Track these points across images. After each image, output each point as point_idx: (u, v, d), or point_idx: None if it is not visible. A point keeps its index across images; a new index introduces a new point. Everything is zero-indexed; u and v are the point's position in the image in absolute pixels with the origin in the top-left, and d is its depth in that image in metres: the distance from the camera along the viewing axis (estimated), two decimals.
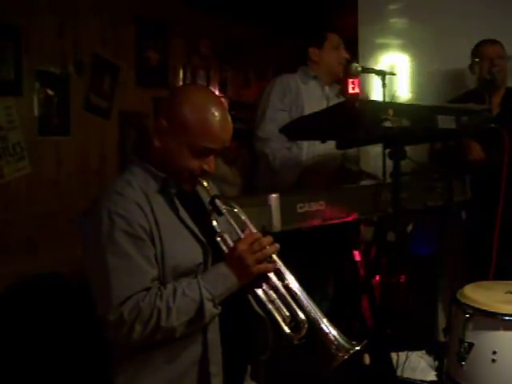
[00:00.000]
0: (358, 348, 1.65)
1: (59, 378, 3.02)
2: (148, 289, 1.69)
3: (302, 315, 1.70)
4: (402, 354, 3.35)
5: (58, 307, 3.49)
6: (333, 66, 3.43)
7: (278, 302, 1.73)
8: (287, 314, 1.71)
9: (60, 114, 4.42)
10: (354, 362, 3.01)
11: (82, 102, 4.58)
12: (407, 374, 3.30)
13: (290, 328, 1.71)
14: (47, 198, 4.21)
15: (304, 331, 1.69)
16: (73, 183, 4.32)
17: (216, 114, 1.77)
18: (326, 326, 1.69)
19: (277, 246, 1.78)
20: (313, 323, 1.70)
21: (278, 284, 1.75)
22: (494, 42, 3.41)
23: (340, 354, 1.64)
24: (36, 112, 4.22)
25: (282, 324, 1.71)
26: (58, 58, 4.37)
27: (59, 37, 4.37)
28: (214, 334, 1.78)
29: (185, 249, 1.77)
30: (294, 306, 1.72)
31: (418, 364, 3.43)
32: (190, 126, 1.75)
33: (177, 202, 1.82)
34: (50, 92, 4.37)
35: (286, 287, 1.75)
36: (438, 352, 3.28)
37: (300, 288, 1.75)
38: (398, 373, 3.23)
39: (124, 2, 4.88)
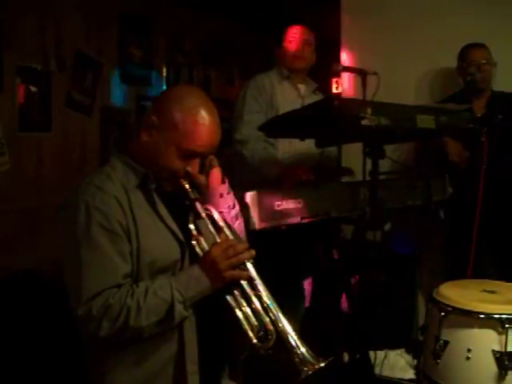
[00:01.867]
0: (322, 364, 1.63)
1: (39, 375, 3.02)
2: (119, 285, 1.68)
3: (270, 326, 1.69)
4: (381, 353, 3.38)
5: (36, 306, 3.49)
6: (288, 59, 3.43)
7: (248, 310, 1.72)
8: (255, 323, 1.71)
9: (41, 110, 4.40)
10: (333, 361, 3.04)
11: (64, 99, 4.56)
12: (386, 373, 3.33)
13: (257, 338, 1.70)
14: (27, 194, 4.18)
15: (271, 342, 1.68)
16: (54, 180, 4.29)
17: (206, 117, 1.76)
18: (294, 339, 1.67)
19: (252, 252, 1.76)
20: (280, 335, 1.69)
21: (250, 292, 1.73)
22: (480, 46, 3.44)
23: (305, 369, 1.63)
24: (17, 108, 4.19)
25: (250, 333, 1.70)
26: (40, 53, 4.35)
27: (41, 32, 4.34)
28: (190, 333, 1.77)
29: (162, 245, 1.77)
30: (264, 316, 1.70)
31: (396, 362, 3.46)
32: (179, 127, 1.75)
33: (156, 197, 1.81)
34: (32, 88, 4.34)
35: (258, 296, 1.73)
36: (416, 350, 3.31)
37: (271, 298, 1.73)
38: (377, 371, 3.25)
39: None
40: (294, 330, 1.70)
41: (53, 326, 3.17)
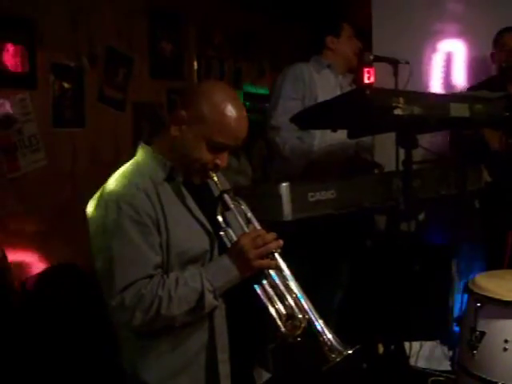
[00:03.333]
0: (350, 352, 1.64)
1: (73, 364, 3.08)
2: (151, 276, 1.71)
3: (299, 314, 1.71)
4: (416, 344, 3.35)
5: (75, 298, 3.56)
6: (349, 55, 3.44)
7: (276, 299, 1.74)
8: (284, 312, 1.72)
9: (74, 106, 4.46)
10: (368, 352, 3.03)
11: (97, 94, 4.61)
12: (421, 364, 3.31)
13: (285, 326, 1.71)
14: (62, 189, 4.24)
15: (299, 331, 1.70)
16: (88, 175, 4.35)
17: (233, 111, 1.78)
18: (322, 327, 1.69)
19: (280, 242, 1.78)
20: (309, 323, 1.71)
21: (278, 281, 1.75)
22: None
23: (333, 356, 1.65)
24: (51, 104, 4.25)
25: (278, 322, 1.71)
26: (72, 50, 4.40)
27: (73, 29, 4.39)
28: (220, 321, 1.80)
29: (191, 236, 1.79)
30: (292, 305, 1.72)
31: (432, 354, 3.43)
32: (208, 121, 1.77)
33: (184, 190, 1.84)
34: (65, 84, 4.40)
35: (286, 285, 1.75)
36: (452, 341, 3.28)
37: (299, 287, 1.75)
38: (412, 362, 3.23)
39: None
40: (322, 318, 1.71)
41: (91, 318, 3.22)
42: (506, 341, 2.18)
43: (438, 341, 3.53)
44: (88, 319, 3.27)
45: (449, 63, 3.92)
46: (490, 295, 2.26)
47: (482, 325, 2.26)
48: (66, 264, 3.83)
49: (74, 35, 4.39)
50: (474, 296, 2.33)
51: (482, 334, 2.25)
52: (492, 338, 2.23)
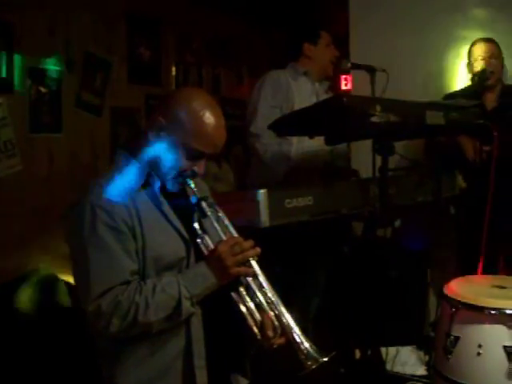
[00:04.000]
0: (326, 359, 1.66)
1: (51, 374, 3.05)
2: (128, 282, 1.71)
3: (275, 322, 1.73)
4: (393, 349, 3.38)
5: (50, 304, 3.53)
6: (325, 63, 3.46)
7: (252, 306, 1.76)
8: (260, 319, 1.74)
9: (51, 112, 4.43)
10: (345, 357, 3.05)
11: (74, 99, 4.58)
12: (397, 369, 3.33)
13: (261, 333, 1.74)
14: (39, 194, 4.21)
15: (276, 338, 1.73)
16: (65, 180, 4.32)
17: (212, 119, 1.79)
18: (298, 334, 1.71)
19: (257, 250, 1.80)
20: (285, 330, 1.73)
21: (255, 288, 1.77)
22: (488, 40, 3.45)
23: (309, 363, 1.67)
24: (28, 109, 4.22)
25: (255, 329, 1.74)
26: (50, 54, 4.37)
27: (51, 34, 4.36)
28: (197, 328, 1.80)
29: (166, 242, 1.80)
30: (269, 312, 1.74)
31: (408, 359, 3.46)
32: (186, 128, 1.77)
33: (161, 197, 1.84)
34: (42, 89, 4.37)
35: (262, 293, 1.77)
36: (428, 346, 3.31)
37: (275, 294, 1.77)
38: (388, 367, 3.25)
39: None
40: (298, 325, 1.73)
41: (68, 325, 3.20)
42: (479, 345, 2.20)
43: (415, 346, 3.56)
44: (64, 326, 3.24)
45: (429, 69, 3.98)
46: (465, 300, 2.28)
47: (456, 330, 2.28)
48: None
49: (52, 39, 4.37)
50: (448, 301, 2.35)
51: (457, 338, 2.27)
52: (466, 342, 2.25)
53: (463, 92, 3.53)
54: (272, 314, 1.74)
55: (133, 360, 1.77)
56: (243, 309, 1.76)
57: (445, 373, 2.30)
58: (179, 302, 1.72)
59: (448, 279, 2.57)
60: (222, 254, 1.75)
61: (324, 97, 3.33)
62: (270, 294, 1.76)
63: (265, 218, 2.20)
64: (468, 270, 2.87)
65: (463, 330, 2.26)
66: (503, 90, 3.46)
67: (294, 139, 3.25)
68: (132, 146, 1.89)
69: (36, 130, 4.30)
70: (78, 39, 4.57)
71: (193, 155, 1.80)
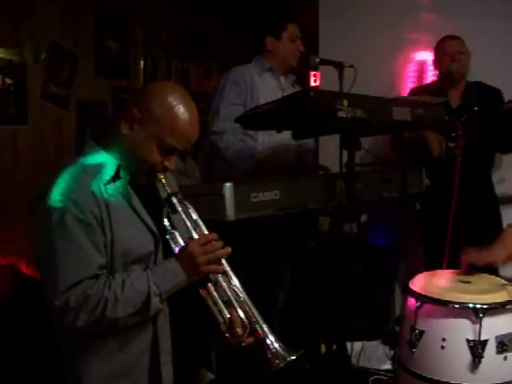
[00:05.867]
0: (293, 357, 1.68)
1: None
2: (96, 276, 1.69)
3: (244, 319, 1.75)
4: (358, 344, 3.41)
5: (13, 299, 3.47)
6: (289, 57, 3.41)
7: (221, 303, 1.77)
8: (228, 316, 1.76)
9: (17, 103, 4.36)
10: (310, 352, 3.06)
11: (40, 91, 4.51)
12: (363, 364, 3.36)
13: (229, 331, 1.76)
14: (2, 187, 4.14)
15: (244, 335, 1.74)
16: (29, 173, 4.26)
17: (186, 114, 1.78)
18: (266, 332, 1.72)
19: (228, 249, 1.80)
20: (253, 328, 1.74)
21: (224, 286, 1.78)
22: (454, 37, 3.49)
23: (276, 361, 1.68)
24: None
25: (223, 327, 1.75)
26: (15, 44, 4.29)
27: (16, 23, 4.29)
28: (163, 324, 1.79)
29: (135, 236, 1.78)
30: (238, 309, 1.76)
31: (373, 353, 3.49)
32: (160, 122, 1.76)
33: (130, 190, 1.82)
34: (7, 80, 4.30)
35: (231, 290, 1.78)
36: (393, 341, 3.34)
37: (244, 292, 1.78)
38: (354, 362, 3.28)
39: None
40: (266, 322, 1.74)
41: (29, 319, 3.15)
42: (443, 339, 2.23)
43: (380, 340, 3.60)
44: (26, 318, 3.20)
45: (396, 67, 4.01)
46: (429, 295, 2.30)
47: (421, 324, 2.30)
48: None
49: (17, 29, 4.30)
50: (413, 296, 2.37)
51: (421, 332, 2.29)
52: (430, 336, 2.27)
53: (429, 88, 3.57)
54: (241, 311, 1.75)
55: (98, 356, 1.75)
56: (212, 306, 1.76)
57: (409, 366, 2.32)
58: (148, 298, 1.71)
59: (413, 274, 2.60)
60: (194, 252, 1.75)
61: (290, 91, 3.31)
62: (238, 291, 1.77)
63: (230, 212, 2.20)
64: (433, 265, 2.90)
65: (428, 324, 2.28)
66: (467, 87, 3.50)
67: (260, 134, 3.24)
68: (102, 137, 1.87)
69: (1, 122, 4.22)
70: (45, 30, 4.51)
71: (166, 150, 1.79)
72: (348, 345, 3.15)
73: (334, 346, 2.94)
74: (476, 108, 3.31)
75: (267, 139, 3.25)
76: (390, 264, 3.63)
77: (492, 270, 3.11)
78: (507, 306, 2.23)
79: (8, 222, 4.11)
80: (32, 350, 3.05)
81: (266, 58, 3.41)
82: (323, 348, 3.12)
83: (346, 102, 2.30)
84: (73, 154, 4.59)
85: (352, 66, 3.04)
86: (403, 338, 2.40)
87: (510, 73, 3.54)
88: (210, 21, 5.99)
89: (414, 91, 3.61)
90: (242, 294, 1.77)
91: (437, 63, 3.57)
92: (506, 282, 2.43)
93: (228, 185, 2.19)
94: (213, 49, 6.14)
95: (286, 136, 3.01)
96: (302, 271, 3.50)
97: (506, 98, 3.40)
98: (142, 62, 5.51)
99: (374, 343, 3.56)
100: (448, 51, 3.46)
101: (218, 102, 3.26)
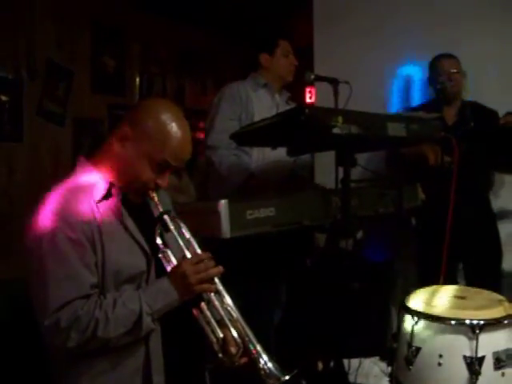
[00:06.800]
0: (287, 378, 1.67)
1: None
2: (87, 296, 1.68)
3: (237, 339, 1.74)
4: (355, 361, 3.38)
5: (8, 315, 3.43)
6: (283, 73, 3.45)
7: (214, 323, 1.76)
8: (221, 336, 1.75)
9: (12, 120, 4.36)
10: (307, 369, 3.03)
11: (36, 108, 4.52)
12: (360, 381, 3.33)
13: (222, 351, 1.75)
14: None
15: (237, 355, 1.73)
16: (24, 190, 4.25)
17: (179, 132, 1.79)
18: (259, 352, 1.72)
19: (220, 268, 1.80)
20: (247, 348, 1.73)
21: (217, 305, 1.77)
22: (450, 56, 3.51)
23: (270, 382, 1.67)
24: None
25: (216, 346, 1.74)
26: (11, 62, 4.30)
27: (12, 41, 4.31)
28: (155, 344, 1.79)
29: (127, 256, 1.77)
30: (231, 329, 1.75)
31: (371, 370, 3.46)
32: (153, 140, 1.76)
33: (122, 208, 1.82)
34: (3, 97, 4.30)
35: (224, 309, 1.77)
36: (390, 358, 3.32)
37: (237, 311, 1.78)
38: (351, 379, 3.25)
39: (80, 6, 4.84)
40: (260, 341, 1.73)
41: (22, 338, 3.12)
42: (440, 356, 2.21)
43: (377, 357, 3.57)
44: (18, 339, 3.16)
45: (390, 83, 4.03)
46: (425, 311, 2.30)
47: (417, 340, 2.29)
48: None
49: (14, 46, 4.31)
50: (410, 312, 2.36)
51: (418, 349, 2.28)
52: (427, 353, 2.26)
53: (424, 106, 3.58)
54: (234, 330, 1.74)
55: (89, 376, 1.74)
56: (205, 325, 1.75)
57: (407, 383, 2.31)
58: (140, 318, 1.70)
59: (410, 290, 2.59)
60: (186, 271, 1.74)
61: (284, 107, 3.34)
62: (232, 310, 1.76)
63: (226, 229, 2.19)
64: (429, 280, 2.90)
65: (424, 341, 2.27)
66: (462, 105, 3.52)
67: (255, 150, 3.25)
68: (95, 155, 1.87)
69: None
70: (41, 47, 4.52)
71: (158, 168, 1.79)
72: (345, 362, 3.14)
73: (331, 363, 2.92)
74: (472, 124, 3.34)
75: (262, 154, 3.26)
76: (387, 280, 3.62)
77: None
78: (504, 322, 2.23)
79: (4, 238, 4.09)
80: (22, 370, 3.01)
81: (261, 74, 3.44)
82: (320, 365, 3.10)
83: (340, 119, 2.30)
84: (68, 171, 4.61)
85: (347, 82, 3.05)
86: (400, 354, 2.39)
87: (506, 95, 3.56)
88: (206, 38, 6.03)
89: (410, 109, 3.62)
90: (235, 313, 1.76)
91: (432, 81, 3.58)
92: (503, 298, 2.43)
93: (223, 202, 2.19)
94: (208, 66, 6.18)
95: (280, 151, 3.01)
96: (298, 288, 3.48)
97: None
98: (137, 79, 5.53)
99: (371, 360, 3.53)
100: (444, 70, 3.48)
101: (213, 117, 3.29)
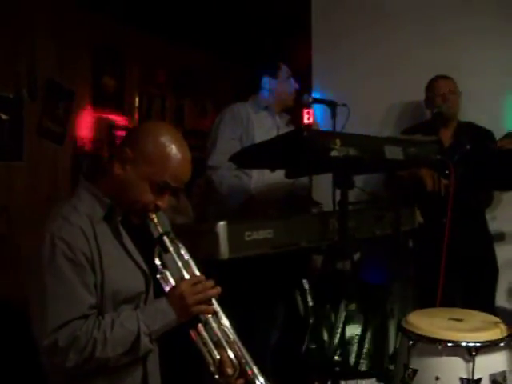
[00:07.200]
0: None
1: None
2: (86, 316, 1.69)
3: (233, 360, 1.74)
4: (352, 382, 3.37)
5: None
6: (285, 95, 3.49)
7: (210, 344, 1.76)
8: (218, 357, 1.75)
9: (12, 139, 4.38)
10: None
11: (36, 127, 4.54)
12: None
13: (219, 372, 1.74)
14: None
15: (234, 377, 1.73)
16: (24, 209, 4.26)
17: (179, 154, 1.81)
18: (256, 374, 1.72)
19: (218, 289, 1.81)
20: (243, 369, 1.73)
21: (214, 326, 1.78)
22: (446, 77, 3.54)
23: None
24: None
25: (212, 368, 1.74)
26: (12, 81, 4.34)
27: (13, 60, 4.34)
28: (153, 364, 1.80)
29: (126, 277, 1.79)
30: (228, 351, 1.75)
31: None
32: (153, 162, 1.78)
33: (122, 229, 1.83)
34: (3, 116, 4.33)
35: (221, 330, 1.77)
36: (387, 379, 3.31)
37: (234, 333, 1.78)
38: None
39: (80, 27, 4.89)
40: (257, 363, 1.73)
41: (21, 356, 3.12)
42: (437, 378, 2.22)
43: (374, 379, 3.56)
44: (16, 358, 3.16)
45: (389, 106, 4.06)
46: (422, 333, 2.31)
47: (414, 362, 2.29)
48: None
49: (15, 66, 4.34)
50: (407, 334, 2.37)
51: (415, 371, 2.29)
52: (424, 375, 2.26)
53: (421, 127, 3.61)
54: (231, 351, 1.74)
55: None
56: (201, 346, 1.76)
57: None
58: (138, 338, 1.71)
59: (407, 312, 2.60)
60: (184, 292, 1.75)
61: (285, 130, 3.37)
62: (229, 332, 1.77)
63: (224, 251, 2.20)
64: (427, 302, 2.90)
65: (421, 363, 2.28)
66: (458, 126, 3.55)
67: (254, 172, 3.28)
68: (95, 176, 1.88)
69: None
70: (42, 67, 4.55)
71: (158, 189, 1.81)
72: (342, 383, 3.13)
73: None
74: (468, 147, 3.36)
75: (261, 176, 3.29)
76: (384, 302, 3.62)
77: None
78: (500, 344, 2.24)
79: (3, 256, 4.10)
80: None
81: (263, 96, 3.47)
82: None
83: (338, 142, 2.32)
84: (68, 191, 4.63)
85: (345, 105, 3.09)
86: (397, 376, 2.40)
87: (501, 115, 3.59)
88: (205, 59, 6.08)
89: (406, 131, 3.65)
90: (232, 335, 1.77)
91: (428, 102, 3.62)
92: (499, 320, 2.44)
93: (221, 224, 2.21)
94: (208, 87, 6.22)
95: (280, 173, 3.03)
96: (296, 310, 3.48)
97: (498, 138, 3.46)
98: (137, 99, 5.56)
99: (368, 381, 3.52)
100: (439, 91, 3.51)
101: (215, 137, 3.31)
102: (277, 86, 3.48)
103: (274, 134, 3.24)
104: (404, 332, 2.40)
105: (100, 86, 5.17)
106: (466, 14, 3.77)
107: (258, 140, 3.17)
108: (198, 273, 1.83)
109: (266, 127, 3.38)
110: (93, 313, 1.71)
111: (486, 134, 3.49)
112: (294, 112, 3.63)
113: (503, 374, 2.21)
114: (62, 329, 1.65)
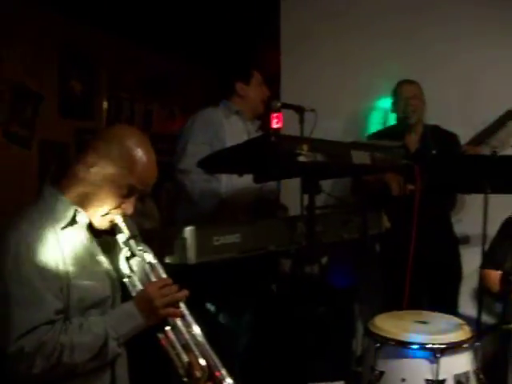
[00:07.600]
0: None
1: None
2: (52, 322, 1.68)
3: (202, 363, 1.74)
4: None
5: None
6: (257, 102, 3.50)
7: (179, 347, 1.76)
8: (186, 360, 1.75)
9: None
10: None
11: (2, 131, 4.48)
12: None
13: (187, 375, 1.74)
14: None
15: (203, 379, 1.74)
16: None
17: (144, 157, 1.81)
18: (224, 376, 1.74)
19: (186, 292, 1.82)
20: (212, 372, 1.74)
21: (182, 330, 1.78)
22: (411, 82, 3.59)
23: None
24: None
25: (180, 370, 1.74)
26: None
27: None
28: (121, 369, 1.80)
29: (92, 281, 1.78)
30: (196, 353, 1.75)
31: None
32: (118, 165, 1.78)
33: (88, 234, 1.82)
34: None
35: (189, 333, 1.78)
36: (355, 382, 3.34)
37: (202, 336, 1.79)
38: None
39: (48, 29, 4.84)
40: (226, 366, 1.75)
41: None
42: (403, 379, 2.26)
43: (343, 382, 3.59)
44: None
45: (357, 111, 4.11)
46: (388, 335, 2.35)
47: (380, 364, 2.33)
48: None
49: None
50: (373, 336, 2.41)
51: (381, 373, 2.33)
52: (390, 377, 2.30)
53: (387, 131, 3.66)
54: (199, 354, 1.75)
55: None
56: (170, 350, 1.76)
57: None
58: (105, 342, 1.70)
59: (373, 315, 2.63)
60: (151, 295, 1.75)
61: (255, 135, 3.38)
62: (197, 335, 1.77)
63: (192, 255, 2.20)
64: (393, 305, 2.94)
65: (387, 365, 2.32)
66: (424, 130, 3.60)
67: (223, 176, 3.28)
68: (61, 180, 1.87)
69: None
70: (8, 70, 4.49)
71: (123, 193, 1.81)
72: None
73: None
74: (434, 152, 3.42)
75: (230, 181, 3.29)
76: (351, 305, 3.66)
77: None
78: (463, 346, 2.29)
79: None
80: None
81: (234, 102, 3.48)
82: None
83: (306, 147, 2.33)
84: (35, 195, 4.57)
85: (313, 110, 3.10)
86: (364, 378, 2.43)
87: (467, 118, 3.65)
88: (174, 64, 6.07)
89: (373, 136, 3.70)
90: (201, 338, 1.77)
91: (394, 107, 3.67)
92: (463, 322, 2.49)
93: (189, 228, 2.20)
94: (176, 91, 6.20)
95: (248, 178, 3.04)
96: (264, 313, 3.49)
97: (463, 141, 3.53)
98: (105, 104, 5.52)
99: None
100: (404, 95, 3.56)
101: (186, 141, 3.29)
102: (249, 92, 3.49)
103: (244, 139, 3.24)
104: (370, 335, 2.44)
105: (67, 90, 5.11)
106: (439, 22, 3.83)
107: (228, 145, 3.17)
108: (165, 276, 1.83)
109: (236, 132, 3.38)
110: (59, 318, 1.70)
111: (452, 138, 3.55)
112: (263, 117, 3.65)
113: (467, 374, 2.26)
114: (28, 335, 1.63)
